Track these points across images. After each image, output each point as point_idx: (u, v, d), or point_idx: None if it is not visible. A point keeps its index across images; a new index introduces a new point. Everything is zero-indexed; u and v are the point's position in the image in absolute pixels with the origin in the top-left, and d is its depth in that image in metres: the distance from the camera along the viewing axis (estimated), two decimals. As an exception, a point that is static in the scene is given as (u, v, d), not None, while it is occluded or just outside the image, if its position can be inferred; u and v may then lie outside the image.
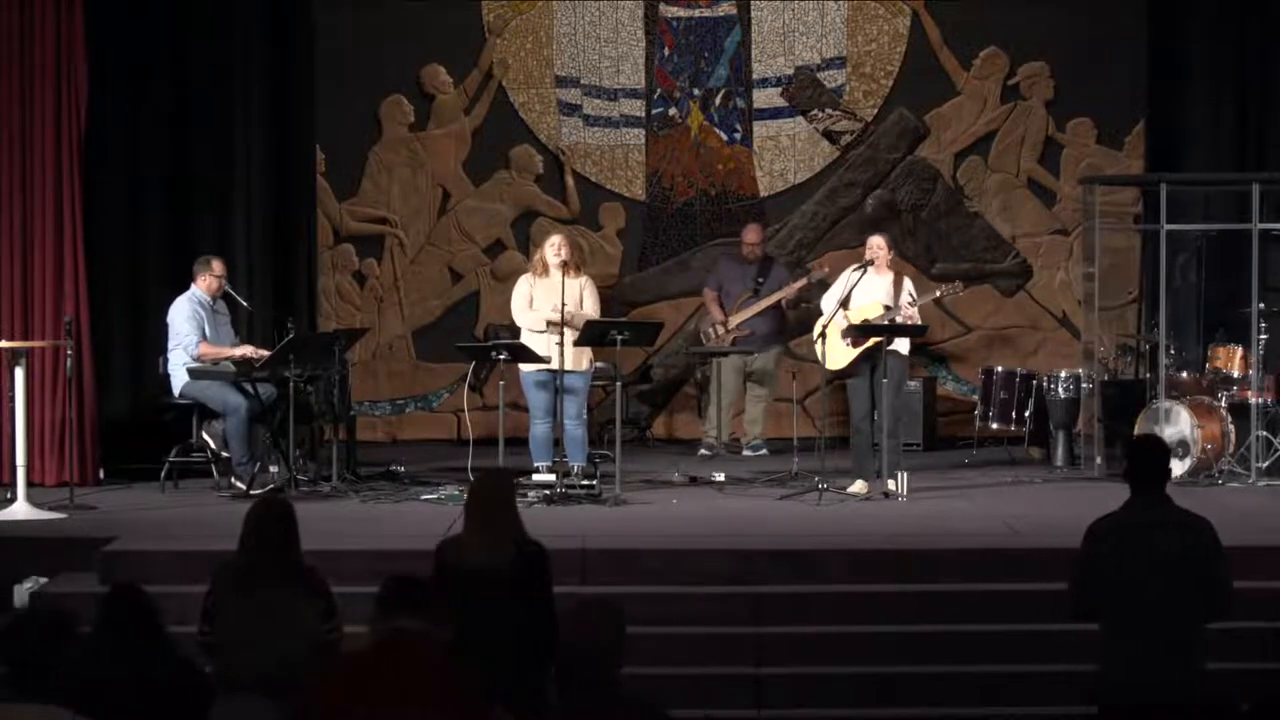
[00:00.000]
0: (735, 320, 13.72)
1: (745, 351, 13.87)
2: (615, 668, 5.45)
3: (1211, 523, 6.74)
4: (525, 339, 11.72)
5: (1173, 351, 12.80)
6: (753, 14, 15.04)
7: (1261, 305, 12.47)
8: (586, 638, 5.45)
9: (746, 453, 13.86)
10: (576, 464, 11.69)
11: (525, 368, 11.78)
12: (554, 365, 11.54)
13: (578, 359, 11.70)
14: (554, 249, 11.76)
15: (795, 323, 14.59)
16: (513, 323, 12.05)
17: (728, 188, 15.10)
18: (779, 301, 13.78)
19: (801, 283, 13.77)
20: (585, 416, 12.00)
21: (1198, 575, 6.59)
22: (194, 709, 6.17)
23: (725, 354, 13.85)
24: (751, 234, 14.08)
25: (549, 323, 11.58)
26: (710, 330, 13.86)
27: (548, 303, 11.60)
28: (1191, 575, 6.58)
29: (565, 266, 11.61)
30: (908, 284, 11.79)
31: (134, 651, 6.17)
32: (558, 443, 11.86)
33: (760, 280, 13.86)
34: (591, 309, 11.78)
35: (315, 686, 5.69)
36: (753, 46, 15.06)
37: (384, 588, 5.86)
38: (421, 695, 5.44)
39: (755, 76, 15.08)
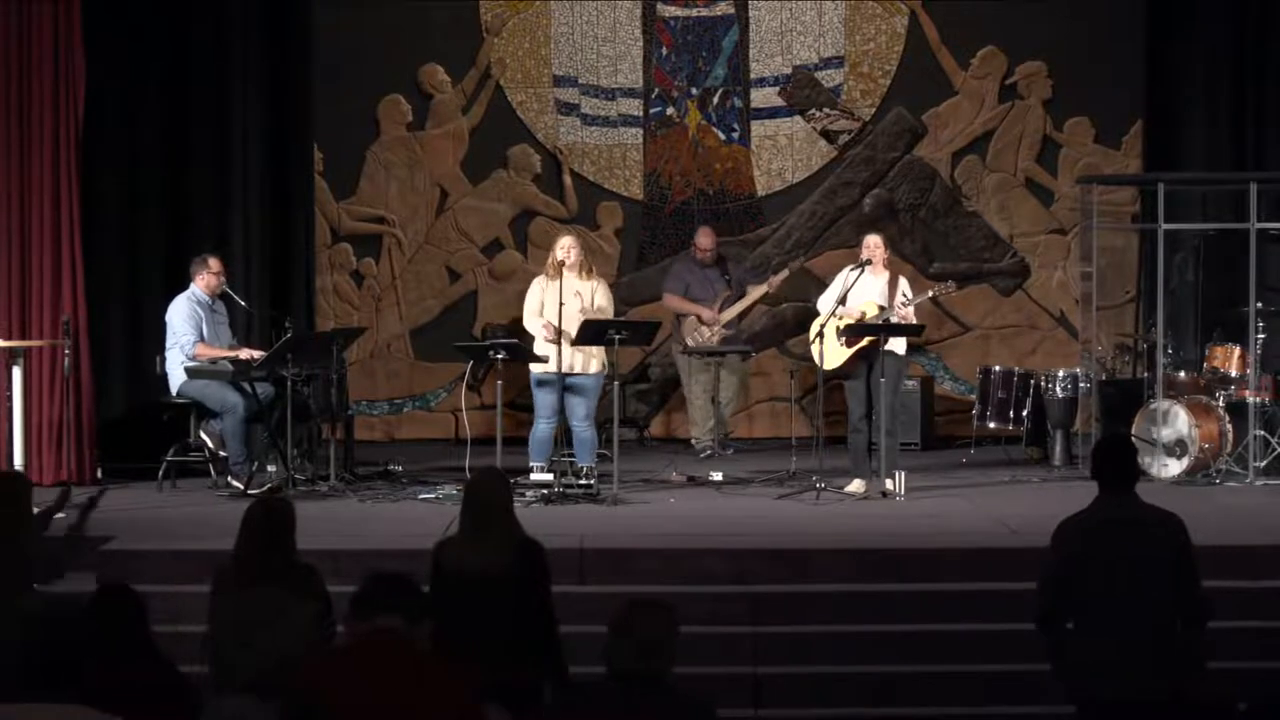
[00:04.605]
0: (726, 317, 13.68)
1: (743, 350, 13.86)
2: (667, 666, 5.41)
3: (1181, 518, 6.68)
4: (537, 340, 11.71)
5: (1170, 351, 12.80)
6: (750, 13, 15.02)
7: (1259, 305, 12.47)
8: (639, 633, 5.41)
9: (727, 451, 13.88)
10: (585, 465, 11.68)
11: (530, 367, 11.79)
12: (552, 366, 11.54)
13: (587, 361, 11.68)
14: (563, 250, 11.73)
15: (793, 321, 14.60)
16: (510, 323, 12.04)
17: (725, 187, 15.08)
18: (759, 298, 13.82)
19: (784, 275, 13.74)
20: (594, 418, 11.97)
21: (1170, 572, 6.54)
22: (178, 711, 6.13)
23: (721, 353, 13.80)
24: (706, 237, 13.98)
25: (547, 337, 11.54)
26: (696, 334, 13.75)
27: (556, 305, 11.58)
28: (1164, 572, 6.53)
29: (565, 267, 11.59)
30: (903, 283, 11.79)
31: (122, 651, 6.12)
32: (558, 442, 11.87)
33: (728, 279, 13.83)
34: (604, 311, 11.70)
35: (312, 687, 5.67)
36: (750, 46, 15.04)
37: (361, 586, 5.83)
38: (399, 694, 5.43)
39: (753, 76, 15.06)
